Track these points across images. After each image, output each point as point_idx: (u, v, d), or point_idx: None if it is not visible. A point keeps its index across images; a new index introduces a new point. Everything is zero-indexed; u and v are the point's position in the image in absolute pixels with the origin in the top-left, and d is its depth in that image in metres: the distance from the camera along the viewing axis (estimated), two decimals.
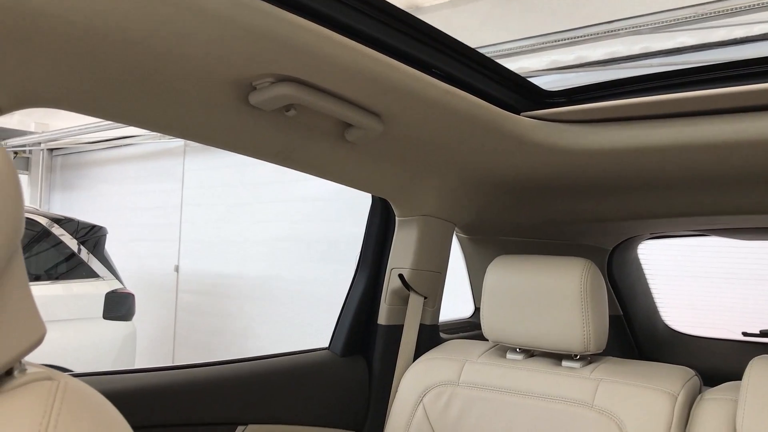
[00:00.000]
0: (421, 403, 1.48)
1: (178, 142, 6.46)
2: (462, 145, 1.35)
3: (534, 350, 1.47)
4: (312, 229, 5.32)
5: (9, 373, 0.55)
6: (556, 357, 1.47)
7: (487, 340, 1.52)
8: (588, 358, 1.42)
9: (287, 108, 1.10)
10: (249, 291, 5.71)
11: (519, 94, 1.30)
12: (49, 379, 0.56)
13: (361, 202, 4.99)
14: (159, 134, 6.30)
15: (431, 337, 1.69)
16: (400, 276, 1.58)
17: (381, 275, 1.64)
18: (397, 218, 1.60)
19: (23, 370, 0.56)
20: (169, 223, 6.53)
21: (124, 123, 1.03)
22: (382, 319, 1.62)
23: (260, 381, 1.41)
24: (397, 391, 1.56)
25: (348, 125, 1.22)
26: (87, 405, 0.53)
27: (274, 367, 1.46)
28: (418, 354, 1.63)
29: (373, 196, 1.66)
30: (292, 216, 5.47)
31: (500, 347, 1.54)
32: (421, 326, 1.66)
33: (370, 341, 1.63)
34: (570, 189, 1.65)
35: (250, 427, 1.38)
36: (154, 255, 6.62)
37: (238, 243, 5.85)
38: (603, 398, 1.30)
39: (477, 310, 2.09)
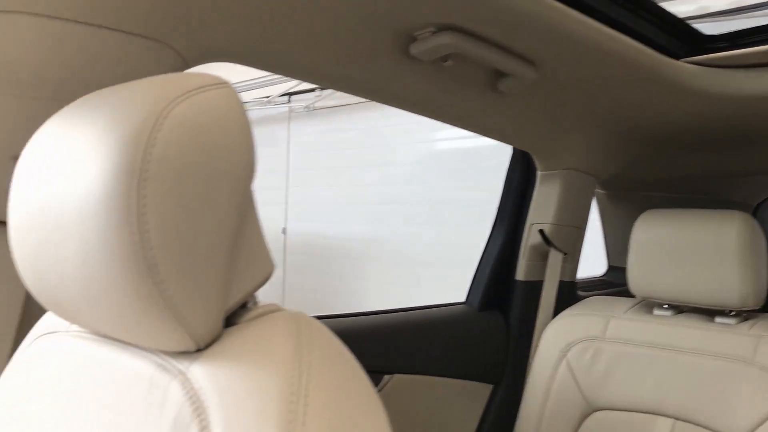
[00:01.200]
0: (565, 359, 1.46)
1: (283, 109, 6.59)
2: (615, 93, 1.30)
3: (683, 306, 1.42)
4: (412, 192, 5.33)
5: (243, 306, 0.58)
6: (708, 313, 1.41)
7: (630, 297, 1.48)
8: (744, 315, 1.36)
9: (445, 58, 1.09)
10: (352, 252, 5.81)
11: (679, 38, 1.24)
12: (281, 310, 0.58)
13: (460, 165, 4.94)
14: (265, 101, 6.44)
15: (569, 294, 1.67)
16: (541, 231, 1.56)
17: (519, 230, 1.62)
18: (538, 172, 1.57)
19: (255, 303, 0.59)
20: (276, 187, 6.70)
21: (294, 77, 1.06)
22: (521, 274, 1.61)
23: (403, 332, 1.44)
24: (538, 346, 1.55)
25: (501, 75, 1.20)
26: (324, 333, 0.55)
27: (415, 320, 1.48)
28: (556, 311, 1.61)
29: (513, 150, 1.64)
30: (394, 179, 5.50)
31: (646, 303, 1.50)
32: (560, 283, 1.64)
33: (508, 297, 1.63)
34: (721, 139, 1.56)
35: (396, 376, 1.41)
36: (263, 218, 6.84)
37: (342, 205, 5.95)
38: (765, 355, 1.24)
39: (611, 268, 2.04)
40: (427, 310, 1.55)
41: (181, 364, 0.52)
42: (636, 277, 1.43)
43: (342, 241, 5.92)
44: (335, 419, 0.47)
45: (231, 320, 0.56)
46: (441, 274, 5.01)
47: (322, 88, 5.74)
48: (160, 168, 0.46)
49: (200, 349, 0.52)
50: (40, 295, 0.57)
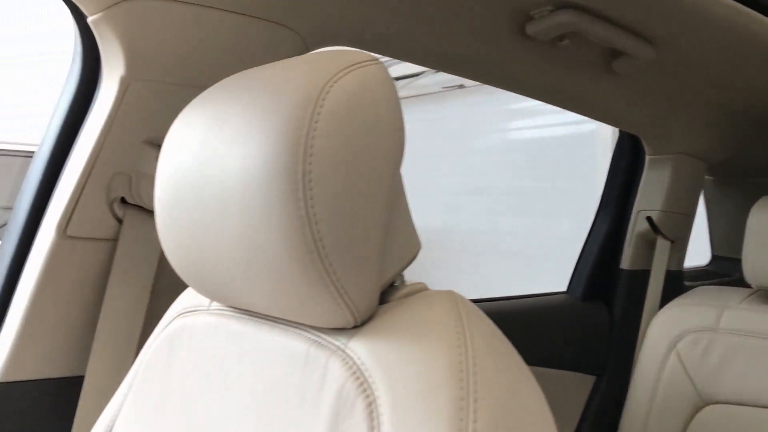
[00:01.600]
0: (675, 351, 1.41)
1: None
2: (736, 73, 1.24)
3: None
4: (491, 182, 5.27)
5: (390, 285, 0.57)
6: None
7: (740, 287, 1.41)
8: None
9: (560, 38, 1.06)
10: (435, 242, 5.79)
11: None
12: (428, 289, 0.57)
13: (538, 155, 4.85)
14: None
15: (676, 284, 1.61)
16: (648, 219, 1.51)
17: (625, 217, 1.57)
18: (647, 156, 1.52)
19: (402, 282, 0.58)
20: None
21: (410, 61, 1.05)
22: (626, 263, 1.56)
23: (505, 321, 1.42)
24: (645, 337, 1.50)
25: (617, 54, 1.16)
26: (478, 310, 0.54)
27: (517, 308, 1.46)
28: (662, 301, 1.56)
29: (620, 134, 1.58)
30: (472, 169, 5.44)
31: (763, 294, 1.43)
32: (666, 272, 1.58)
33: (612, 286, 1.58)
34: None
35: None
36: None
37: (420, 195, 5.94)
38: None
39: (715, 257, 1.96)
40: (528, 299, 1.52)
41: (338, 341, 0.51)
42: (752, 266, 1.36)
43: (422, 233, 5.89)
44: (504, 391, 0.47)
45: (383, 298, 0.55)
46: (527, 265, 4.94)
47: (396, 79, 5.73)
48: (324, 143, 0.46)
49: (356, 326, 0.52)
50: (187, 274, 0.58)
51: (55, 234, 0.83)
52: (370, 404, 0.47)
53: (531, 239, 4.93)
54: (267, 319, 0.57)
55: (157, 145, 0.86)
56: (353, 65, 0.50)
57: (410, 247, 0.58)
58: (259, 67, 0.55)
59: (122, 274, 0.87)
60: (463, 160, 5.51)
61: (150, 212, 0.90)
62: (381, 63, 0.53)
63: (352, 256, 0.48)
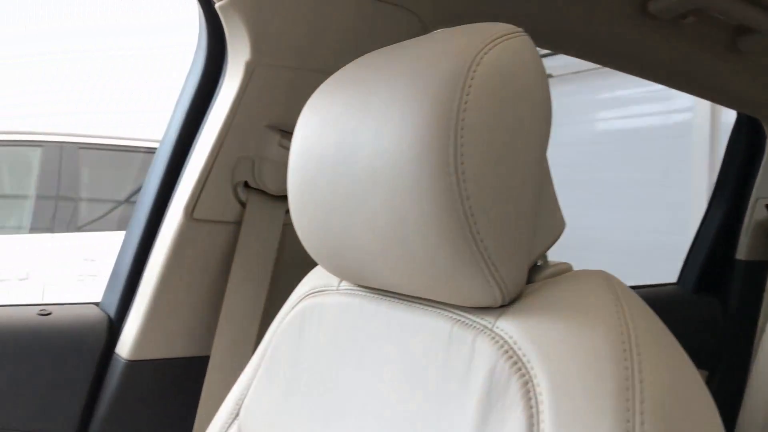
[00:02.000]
0: None
1: None
2: None
3: None
4: (579, 174, 5.13)
5: (534, 265, 0.56)
6: None
7: None
8: None
9: (684, 15, 1.01)
10: None
11: None
12: (572, 268, 0.56)
13: (636, 143, 4.69)
14: None
15: None
16: None
17: (742, 205, 1.49)
18: None
19: (546, 262, 0.57)
20: None
21: (540, 47, 1.03)
22: (742, 253, 1.48)
23: None
24: (764, 332, 1.42)
25: (743, 32, 1.10)
26: (632, 291, 0.51)
27: None
28: None
29: (738, 118, 1.50)
30: (566, 159, 5.32)
31: None
32: None
33: (726, 277, 1.51)
34: None
35: None
36: None
37: None
38: None
39: None
40: (636, 289, 1.46)
41: (484, 320, 0.50)
42: None
43: None
44: (668, 373, 0.44)
45: (529, 277, 0.54)
46: (615, 258, 4.80)
47: None
48: (475, 117, 0.45)
49: (503, 305, 0.51)
50: (320, 255, 0.58)
51: (182, 217, 0.86)
52: (526, 383, 0.45)
53: (619, 232, 4.78)
54: (402, 299, 0.57)
55: (279, 130, 0.87)
56: (501, 37, 0.48)
57: (556, 225, 0.56)
58: (392, 46, 0.55)
59: (245, 257, 0.89)
60: (550, 150, 5.39)
61: (271, 196, 0.91)
62: (526, 35, 0.51)
63: (503, 233, 0.47)
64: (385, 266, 0.52)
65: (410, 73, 0.48)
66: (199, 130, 0.88)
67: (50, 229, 3.05)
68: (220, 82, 0.87)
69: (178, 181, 0.89)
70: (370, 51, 0.83)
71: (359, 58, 0.56)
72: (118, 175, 3.56)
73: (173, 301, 0.88)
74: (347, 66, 0.57)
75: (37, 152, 3.18)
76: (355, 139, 0.50)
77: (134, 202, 3.54)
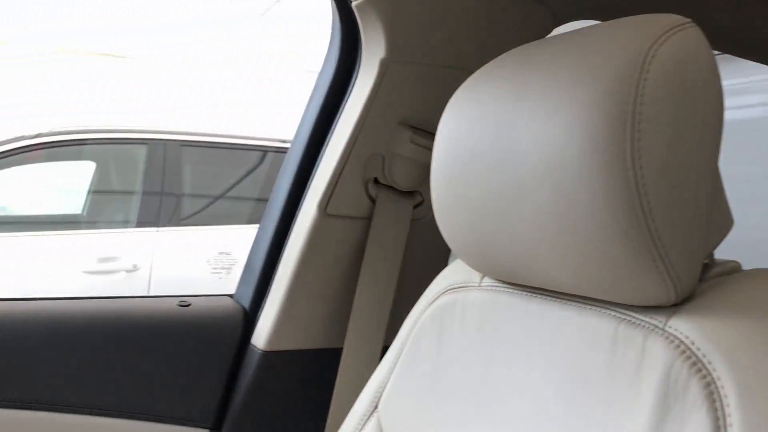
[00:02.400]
0: None
1: None
2: None
3: None
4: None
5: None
6: None
7: None
8: None
9: None
10: None
11: None
12: (740, 268, 0.53)
13: (738, 135, 4.46)
14: None
15: None
16: None
17: None
18: None
19: (712, 259, 0.55)
20: None
21: None
22: None
23: None
24: None
25: None
26: None
27: None
28: None
29: None
30: None
31: None
32: None
33: None
34: None
35: None
36: None
37: None
38: None
39: None
40: None
41: (654, 319, 0.49)
42: None
43: None
44: None
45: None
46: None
47: None
48: (653, 110, 0.43)
49: (675, 304, 0.49)
50: (466, 251, 0.58)
51: (316, 212, 0.88)
52: (708, 385, 0.44)
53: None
54: (556, 296, 0.56)
55: (411, 126, 0.88)
56: (673, 28, 0.47)
57: (725, 222, 0.54)
58: (542, 41, 0.54)
59: (375, 251, 0.90)
60: None
61: (399, 192, 0.92)
62: (696, 26, 0.49)
63: (680, 229, 0.45)
64: (544, 262, 0.51)
65: (577, 67, 0.47)
66: (332, 127, 0.90)
67: (155, 224, 3.18)
68: (353, 79, 0.88)
69: (311, 177, 0.91)
70: (503, 45, 0.83)
71: (506, 54, 0.56)
72: (216, 171, 3.68)
73: (307, 293, 0.90)
74: (494, 61, 0.56)
75: (143, 150, 3.32)
76: (512, 134, 0.50)
77: (230, 198, 3.65)
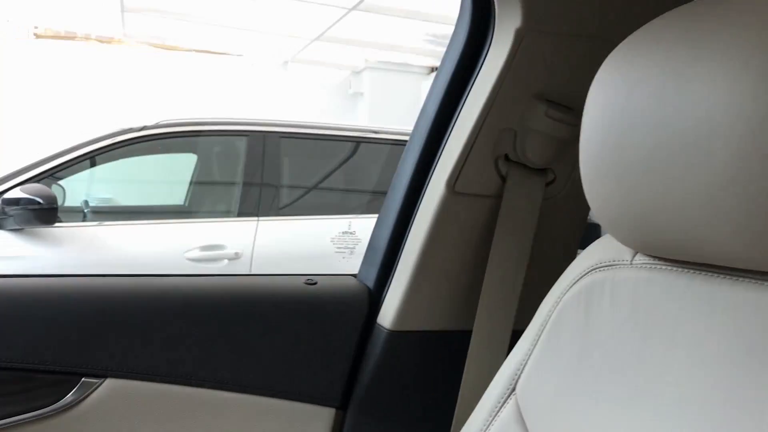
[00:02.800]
0: None
1: None
2: None
3: None
4: None
5: None
6: None
7: None
8: None
9: None
10: None
11: None
12: None
13: None
14: None
15: None
16: None
17: None
18: None
19: None
20: None
21: None
22: None
23: None
24: None
25: None
26: None
27: None
28: None
29: None
30: None
31: None
32: None
33: None
34: None
35: None
36: None
37: None
38: None
39: None
40: None
41: None
42: None
43: None
44: None
45: None
46: None
47: None
48: None
49: None
50: (617, 224, 0.55)
51: (444, 190, 0.85)
52: None
53: None
54: (723, 273, 0.51)
55: (546, 99, 0.84)
56: None
57: None
58: (693, 4, 0.50)
59: (506, 232, 0.87)
60: None
61: (531, 169, 0.88)
62: None
63: None
64: (716, 233, 0.47)
65: (746, 29, 0.44)
66: (461, 102, 0.87)
67: (254, 214, 3.26)
68: (485, 51, 0.85)
69: (439, 153, 0.88)
70: (647, 14, 0.78)
71: (662, 18, 0.52)
72: (312, 162, 3.73)
73: (434, 274, 0.88)
74: (649, 25, 0.52)
75: (243, 141, 3.40)
76: (683, 96, 0.46)
77: (323, 189, 3.70)
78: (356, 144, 3.64)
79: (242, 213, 3.25)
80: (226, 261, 3.04)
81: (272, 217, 3.26)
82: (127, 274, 0.88)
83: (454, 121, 0.87)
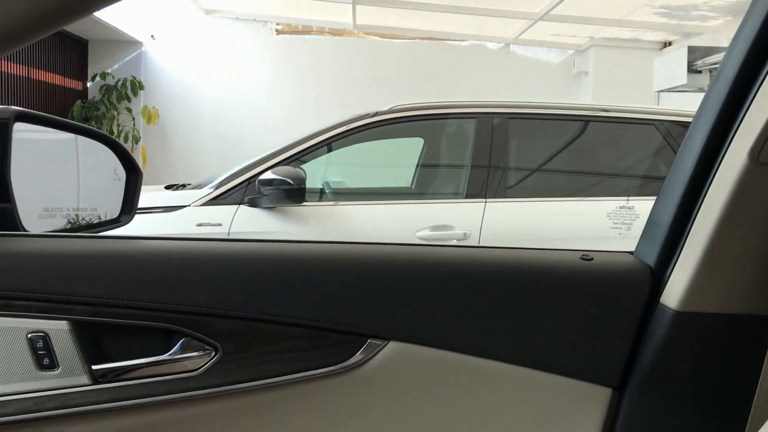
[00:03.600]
0: None
1: None
2: None
3: None
4: None
5: None
6: None
7: None
8: None
9: None
10: None
11: None
12: None
13: None
14: None
15: None
16: None
17: None
18: None
19: None
20: None
21: None
22: None
23: None
24: None
25: None
26: None
27: None
28: None
29: None
30: None
31: None
32: None
33: None
34: None
35: None
36: None
37: None
38: None
39: None
40: None
41: None
42: None
43: None
44: None
45: None
46: None
47: None
48: None
49: None
50: None
51: (746, 160, 0.77)
52: None
53: None
54: None
55: None
56: None
57: None
58: None
59: None
60: None
61: None
62: None
63: None
64: None
65: None
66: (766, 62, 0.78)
67: (482, 195, 3.26)
68: None
69: (739, 119, 0.80)
70: None
71: None
72: (539, 144, 3.65)
73: (731, 252, 0.80)
74: None
75: (472, 123, 3.42)
76: None
77: (549, 171, 3.59)
78: (585, 123, 3.50)
79: (470, 194, 3.27)
80: (454, 241, 3.09)
81: (499, 198, 3.24)
82: (408, 244, 0.92)
83: (758, 82, 0.78)
